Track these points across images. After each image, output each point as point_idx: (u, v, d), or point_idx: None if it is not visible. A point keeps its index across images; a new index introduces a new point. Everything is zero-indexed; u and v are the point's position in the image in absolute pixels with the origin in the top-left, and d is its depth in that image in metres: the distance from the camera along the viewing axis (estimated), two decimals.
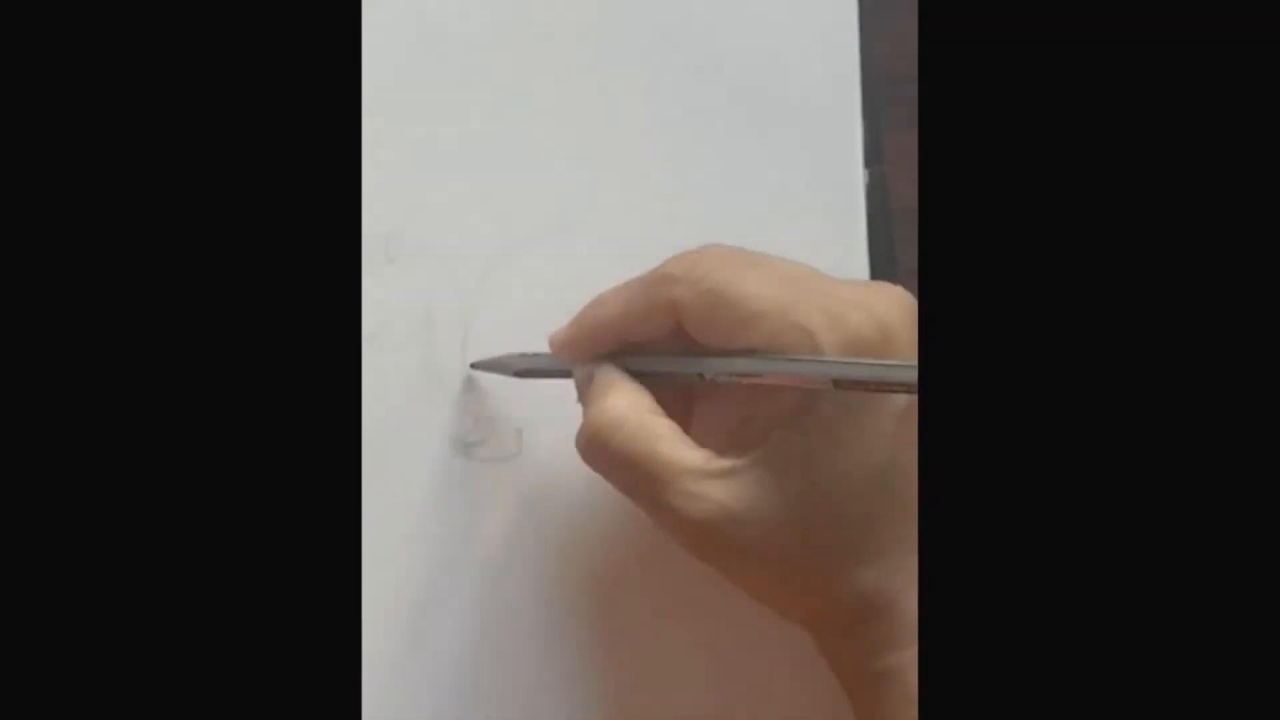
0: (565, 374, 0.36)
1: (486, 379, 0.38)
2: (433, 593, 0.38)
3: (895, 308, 0.33)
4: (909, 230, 0.42)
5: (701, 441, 0.34)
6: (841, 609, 0.33)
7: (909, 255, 0.41)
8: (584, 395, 0.36)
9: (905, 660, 0.32)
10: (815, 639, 0.34)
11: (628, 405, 0.34)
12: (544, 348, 0.37)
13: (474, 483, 0.38)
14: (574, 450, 0.36)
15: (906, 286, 0.37)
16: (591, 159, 0.40)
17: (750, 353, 0.33)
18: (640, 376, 0.35)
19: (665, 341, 0.35)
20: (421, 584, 0.38)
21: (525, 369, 0.37)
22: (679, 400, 0.35)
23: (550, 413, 0.38)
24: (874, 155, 0.41)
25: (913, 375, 0.31)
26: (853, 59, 0.41)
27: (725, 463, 0.33)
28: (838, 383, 0.31)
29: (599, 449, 0.34)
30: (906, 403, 0.32)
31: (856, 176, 0.41)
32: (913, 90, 0.42)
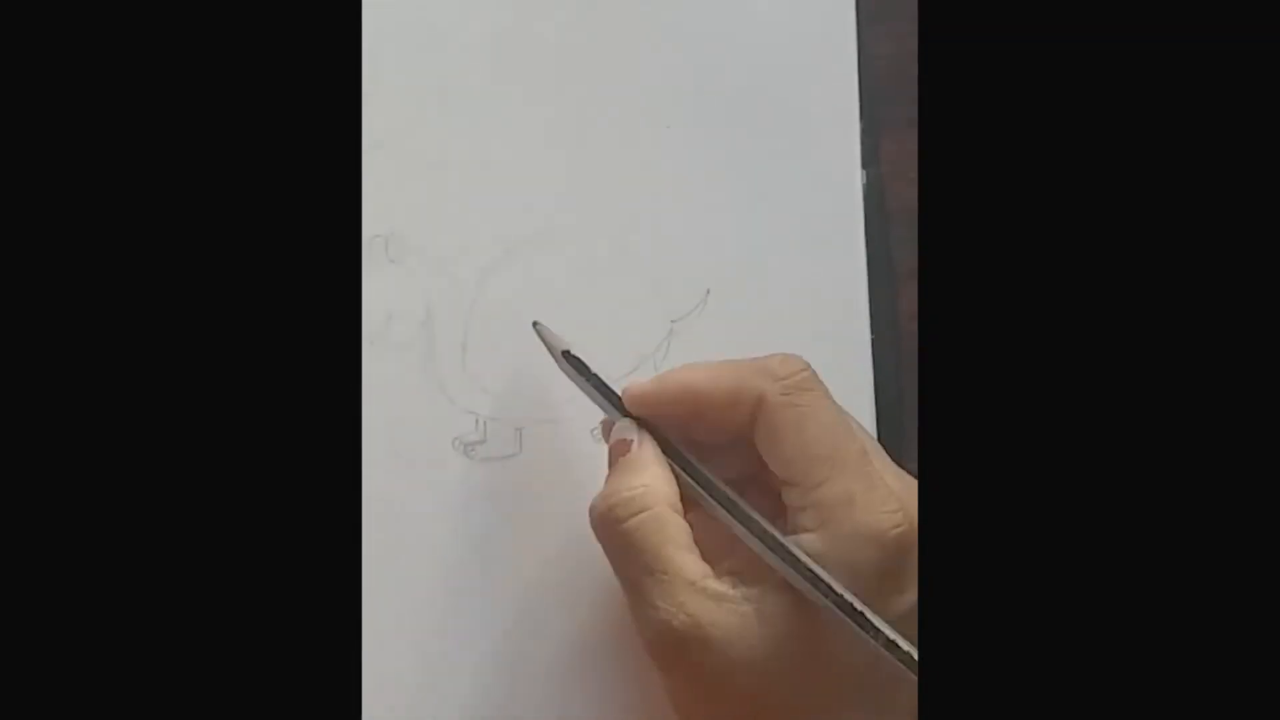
0: (606, 401, 0.36)
1: (489, 378, 0.39)
2: (432, 592, 0.38)
3: None
4: (906, 231, 0.42)
5: (703, 527, 0.34)
6: None
7: (906, 256, 0.42)
8: (615, 456, 0.35)
9: None
10: None
11: (654, 494, 0.34)
12: (543, 347, 0.37)
13: (474, 483, 0.38)
14: (573, 450, 0.36)
15: (905, 287, 0.37)
16: (590, 160, 0.40)
17: (777, 531, 0.33)
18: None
19: (733, 436, 0.34)
20: (421, 583, 0.38)
21: (576, 366, 0.36)
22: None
23: (550, 413, 0.39)
24: (871, 157, 0.42)
25: (913, 657, 0.31)
26: (850, 61, 0.42)
27: (720, 586, 0.33)
28: (839, 606, 0.31)
29: (611, 526, 0.34)
30: (913, 606, 0.32)
31: (854, 178, 0.41)
32: (910, 92, 0.42)
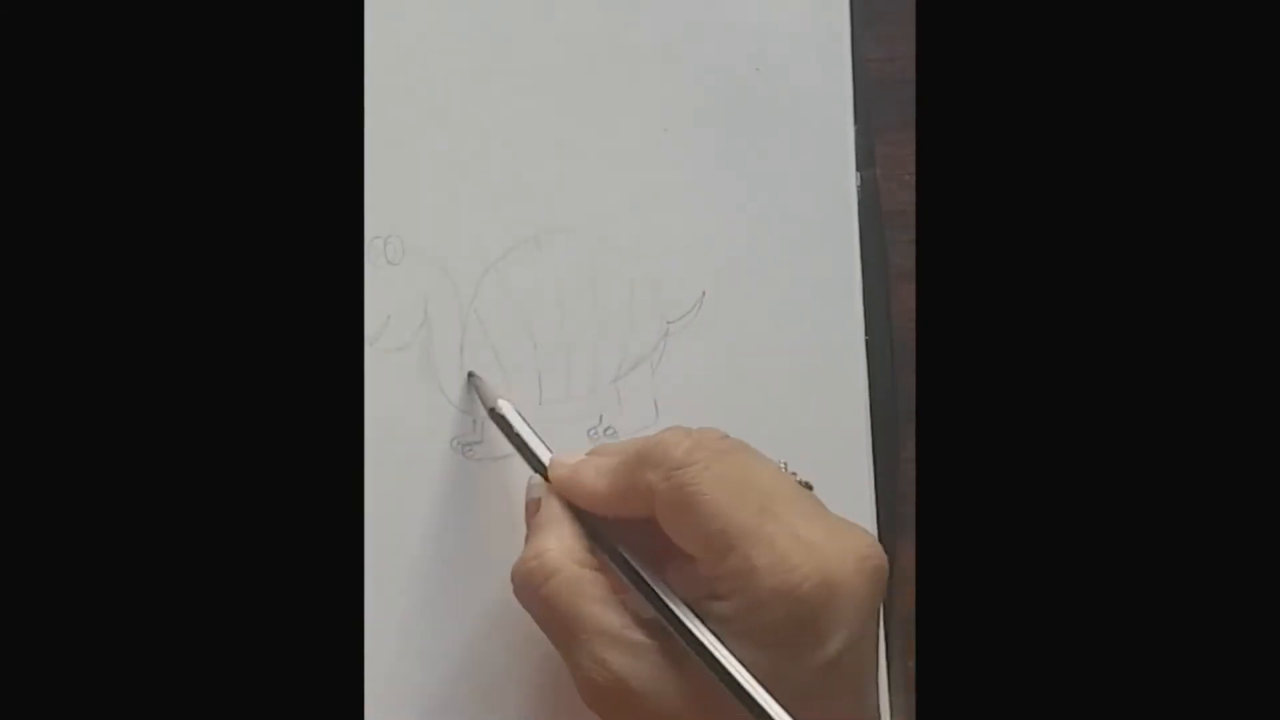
0: (523, 451, 0.37)
1: (485, 378, 0.39)
2: (432, 591, 0.38)
3: (849, 559, 0.32)
4: (900, 233, 0.42)
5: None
6: None
7: (900, 257, 0.42)
8: (528, 516, 0.36)
9: None
10: None
11: (562, 552, 0.34)
12: (542, 347, 0.37)
13: (473, 482, 0.38)
14: (569, 451, 0.36)
15: (899, 288, 0.37)
16: (587, 163, 0.40)
17: (673, 601, 0.33)
18: None
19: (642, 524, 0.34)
20: (421, 582, 0.38)
21: (500, 419, 0.37)
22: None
23: (546, 414, 0.39)
24: (866, 158, 0.42)
25: None
26: (845, 64, 0.42)
27: (636, 636, 0.33)
28: (721, 678, 0.31)
29: (529, 592, 0.34)
30: (837, 654, 0.32)
31: (848, 179, 0.42)
32: (905, 93, 0.42)
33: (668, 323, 0.40)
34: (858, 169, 0.42)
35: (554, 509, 0.35)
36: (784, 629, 0.32)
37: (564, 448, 0.37)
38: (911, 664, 0.40)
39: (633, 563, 0.34)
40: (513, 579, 0.35)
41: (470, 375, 0.38)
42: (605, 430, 0.39)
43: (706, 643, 0.32)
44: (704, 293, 0.40)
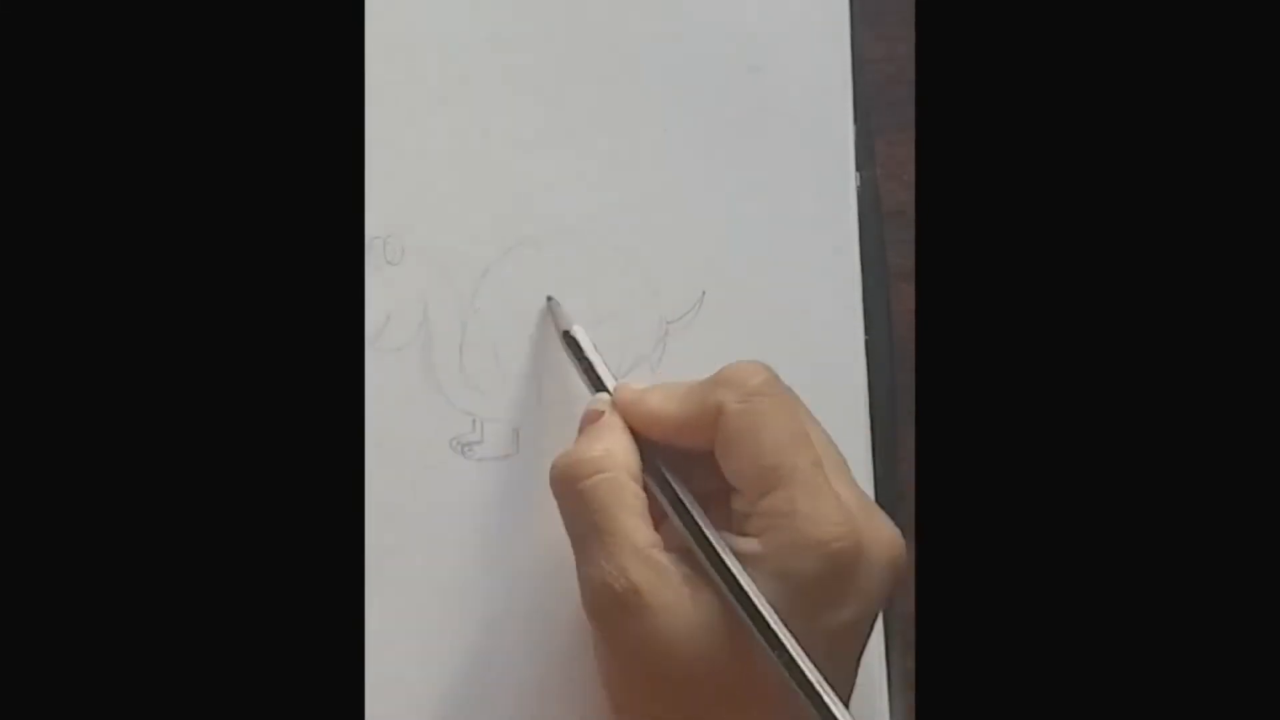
0: (592, 386, 0.37)
1: (486, 379, 0.39)
2: (432, 591, 0.38)
3: (882, 536, 0.33)
4: (899, 233, 0.42)
5: None
6: None
7: (900, 257, 0.42)
8: (585, 424, 0.36)
9: None
10: None
11: (615, 459, 0.34)
12: (544, 346, 0.37)
13: (472, 482, 0.38)
14: None
15: (899, 288, 0.38)
16: (586, 163, 0.40)
17: (711, 531, 0.33)
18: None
19: (703, 452, 0.35)
20: (419, 583, 0.38)
21: (571, 346, 0.38)
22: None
23: (546, 414, 0.39)
24: (865, 158, 0.42)
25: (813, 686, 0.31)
26: (845, 64, 0.42)
27: (665, 559, 0.33)
28: (750, 616, 0.32)
29: (569, 483, 0.34)
30: (848, 622, 0.32)
31: (848, 179, 0.42)
32: (904, 93, 0.42)
33: (667, 323, 0.40)
34: (858, 169, 0.42)
35: (614, 421, 0.36)
36: (807, 580, 0.32)
37: (563, 447, 0.37)
38: (911, 664, 0.40)
39: (676, 487, 0.34)
40: (554, 468, 0.35)
41: (549, 299, 0.39)
42: None
43: (735, 570, 0.32)
44: (704, 293, 0.40)
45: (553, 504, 0.38)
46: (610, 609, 0.33)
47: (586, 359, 0.37)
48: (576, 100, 0.40)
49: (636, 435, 0.35)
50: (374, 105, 0.38)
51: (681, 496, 0.34)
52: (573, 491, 0.34)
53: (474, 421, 0.39)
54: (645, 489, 0.35)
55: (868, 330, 0.41)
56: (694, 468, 0.35)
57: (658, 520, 0.34)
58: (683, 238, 0.40)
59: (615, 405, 0.36)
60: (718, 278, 0.40)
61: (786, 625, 0.32)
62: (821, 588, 0.32)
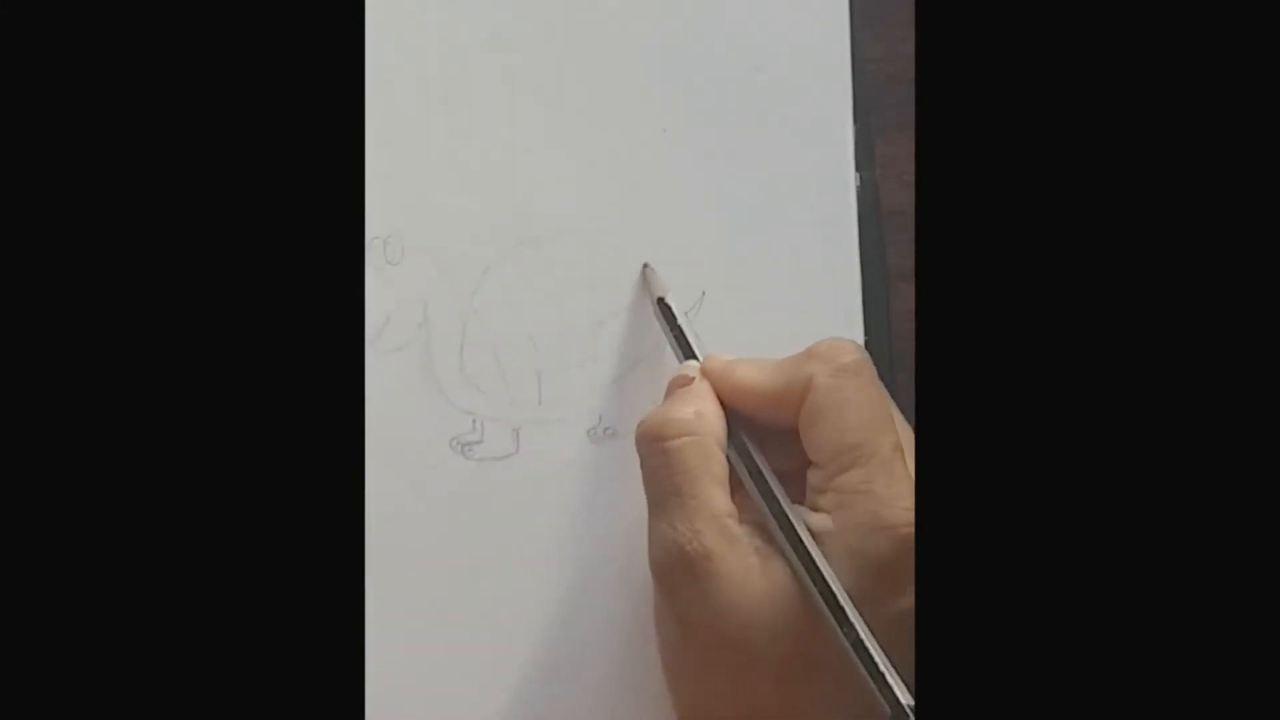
0: (682, 353, 0.38)
1: (486, 379, 0.39)
2: (432, 592, 0.38)
3: None
4: (899, 233, 0.42)
5: None
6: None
7: (899, 257, 0.42)
8: (674, 389, 0.36)
9: None
10: None
11: (705, 424, 0.35)
12: (542, 347, 0.37)
13: (473, 482, 0.39)
14: (570, 451, 0.36)
15: (899, 288, 0.38)
16: (586, 163, 0.40)
17: (789, 506, 0.34)
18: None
19: (786, 428, 0.35)
20: (419, 583, 0.38)
21: (666, 308, 0.38)
22: None
23: (546, 414, 0.39)
24: (865, 158, 0.42)
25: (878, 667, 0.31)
26: (844, 64, 0.42)
27: (739, 530, 0.33)
28: (820, 592, 0.32)
29: (655, 442, 0.35)
30: (906, 611, 0.32)
31: (848, 179, 0.42)
32: (904, 93, 0.42)
33: None
34: (858, 169, 0.42)
35: (704, 387, 0.36)
36: (874, 561, 0.32)
37: (563, 447, 0.37)
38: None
39: (756, 458, 0.35)
40: (641, 425, 0.35)
41: (645, 266, 0.39)
42: (605, 430, 0.39)
43: (808, 544, 0.32)
44: (704, 293, 0.40)
45: (552, 504, 0.38)
46: (678, 570, 0.33)
47: (679, 326, 0.38)
48: (576, 100, 0.40)
49: (722, 405, 0.36)
50: (374, 105, 0.39)
51: (762, 468, 0.35)
52: (658, 449, 0.34)
53: (474, 421, 0.39)
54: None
55: (867, 330, 0.41)
56: (769, 445, 0.35)
57: (733, 491, 0.35)
58: (683, 238, 0.40)
59: (704, 373, 0.36)
60: (718, 278, 0.40)
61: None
62: (888, 572, 0.32)
